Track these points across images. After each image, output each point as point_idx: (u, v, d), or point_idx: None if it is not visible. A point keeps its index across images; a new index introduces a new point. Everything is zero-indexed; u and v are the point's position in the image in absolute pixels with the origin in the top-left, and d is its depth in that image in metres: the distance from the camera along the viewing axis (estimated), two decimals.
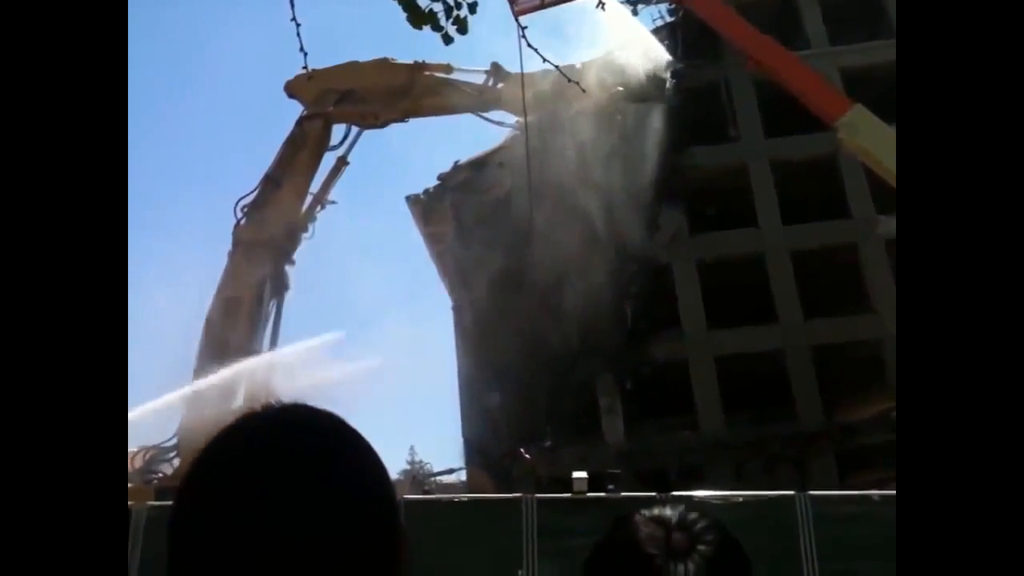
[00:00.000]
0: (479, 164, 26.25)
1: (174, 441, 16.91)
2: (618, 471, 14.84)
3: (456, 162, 27.49)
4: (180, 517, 0.84)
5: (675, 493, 12.55)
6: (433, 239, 29.72)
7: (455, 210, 26.72)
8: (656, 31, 26.54)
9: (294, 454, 0.85)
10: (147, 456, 16.74)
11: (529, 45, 4.96)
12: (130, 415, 15.81)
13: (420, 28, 3.99)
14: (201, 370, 17.61)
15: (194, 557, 0.81)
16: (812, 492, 12.29)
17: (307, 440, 0.87)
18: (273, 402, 0.93)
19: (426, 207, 28.62)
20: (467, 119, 20.68)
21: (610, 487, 12.87)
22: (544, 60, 5.10)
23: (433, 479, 25.08)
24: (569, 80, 6.87)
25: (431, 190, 28.27)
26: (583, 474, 12.60)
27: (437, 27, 4.03)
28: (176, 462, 16.59)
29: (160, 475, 16.24)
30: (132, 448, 16.90)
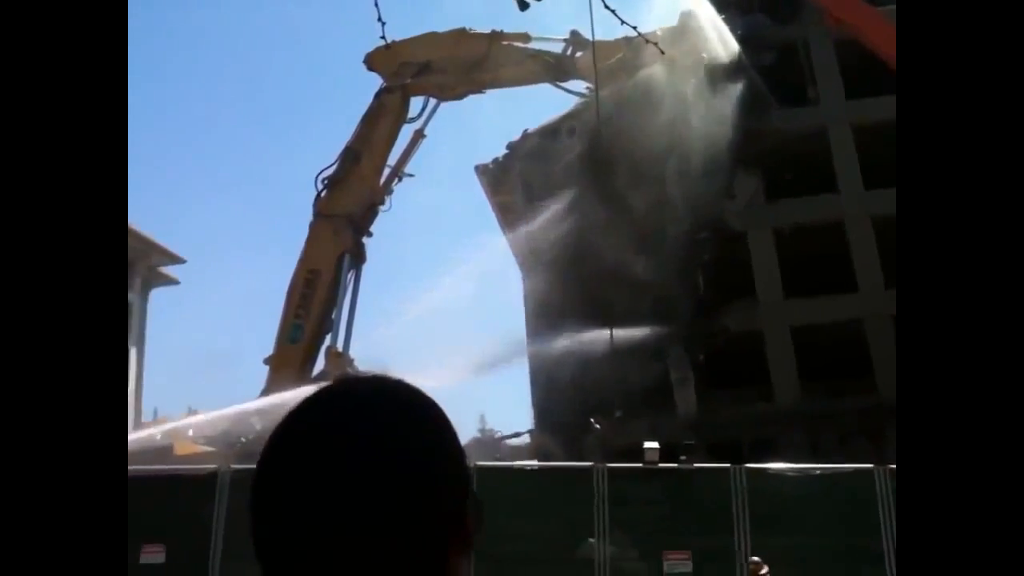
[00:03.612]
0: (549, 132, 26.05)
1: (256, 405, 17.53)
2: (692, 442, 14.73)
3: (526, 130, 27.37)
4: (261, 484, 0.88)
5: (748, 465, 12.39)
6: (502, 208, 29.76)
7: (524, 179, 26.64)
8: None
9: (371, 424, 0.89)
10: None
11: (605, 6, 4.90)
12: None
13: None
14: (284, 338, 18.18)
15: (274, 527, 0.86)
16: (892, 466, 11.95)
17: (384, 411, 0.91)
18: (351, 373, 0.96)
19: (495, 176, 28.62)
20: (538, 87, 20.52)
21: (682, 458, 12.79)
22: (622, 22, 5.04)
23: (503, 442, 25.46)
24: (647, 41, 6.73)
25: (500, 159, 28.25)
26: (655, 444, 12.55)
27: None
28: (259, 427, 17.21)
29: (243, 439, 16.88)
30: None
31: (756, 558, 10.71)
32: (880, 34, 15.94)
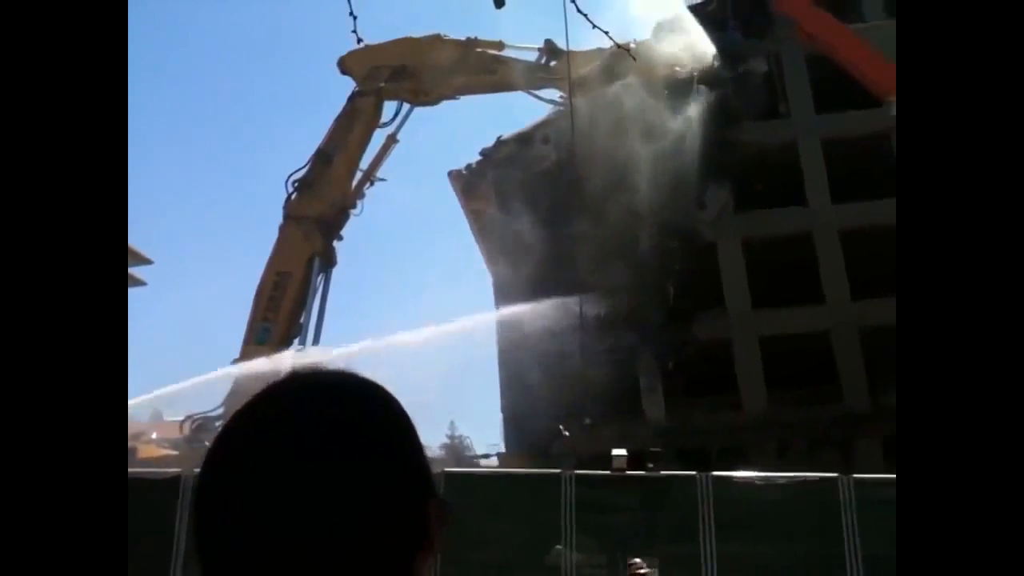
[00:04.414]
0: (522, 139, 26.09)
1: (221, 410, 17.31)
2: (659, 449, 14.78)
3: (499, 137, 27.38)
4: (205, 486, 0.83)
5: (716, 473, 12.46)
6: (475, 215, 29.72)
7: (497, 186, 26.61)
8: (706, 3, 25.99)
9: (325, 420, 0.83)
10: (194, 424, 17.20)
11: (578, 10, 4.93)
12: (182, 385, 16.38)
13: None
14: (251, 340, 18.00)
15: (219, 533, 0.81)
16: (856, 475, 12.09)
17: (339, 406, 0.85)
18: (309, 368, 0.90)
19: (468, 182, 28.57)
20: (513, 94, 20.59)
21: (650, 465, 12.83)
22: (594, 26, 5.07)
23: (474, 461, 25.62)
24: (619, 47, 6.77)
25: (473, 165, 28.21)
26: (622, 451, 12.58)
27: None
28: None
29: (206, 443, 16.66)
30: (179, 416, 17.41)
31: (637, 559, 10.75)
32: (850, 50, 16.20)
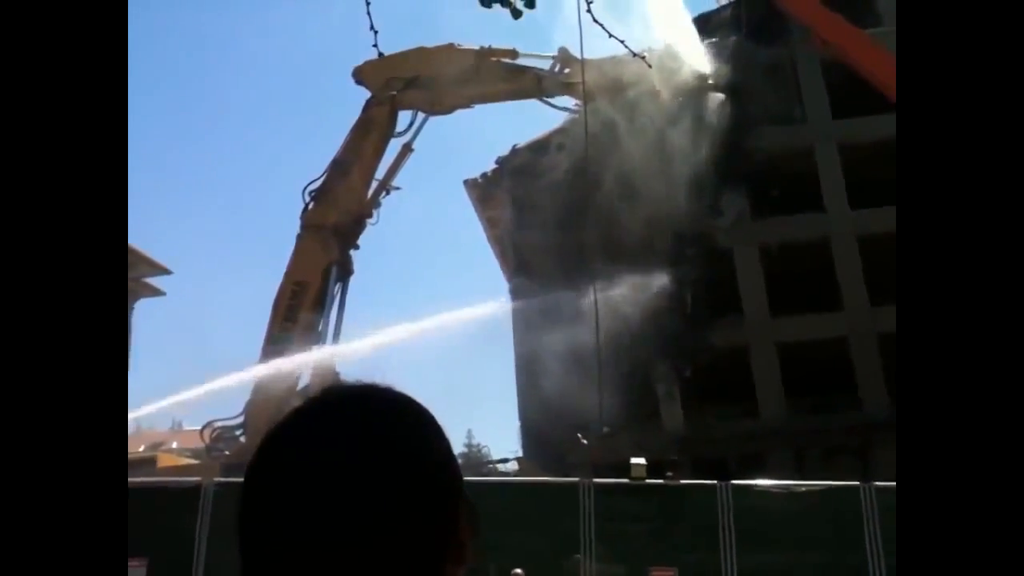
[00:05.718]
0: (538, 147, 26.13)
1: (241, 419, 17.38)
2: (676, 458, 14.73)
3: (514, 145, 27.45)
4: (248, 493, 0.87)
5: (735, 482, 12.40)
6: (491, 223, 29.79)
7: (513, 193, 26.68)
8: (721, 9, 25.97)
9: (359, 431, 0.87)
10: (214, 433, 17.27)
11: (594, 19, 4.95)
12: (199, 392, 16.47)
13: (489, 6, 4.01)
14: (268, 351, 18.07)
15: (260, 537, 0.84)
16: (877, 483, 11.99)
17: (373, 417, 0.90)
18: (345, 381, 0.95)
19: (484, 191, 28.65)
20: (528, 102, 20.62)
21: (668, 474, 12.78)
22: (610, 35, 5.09)
23: (492, 466, 25.71)
24: (635, 55, 6.78)
25: (489, 174, 28.28)
26: (641, 460, 12.54)
27: (505, 3, 4.05)
28: (243, 439, 17.07)
29: (226, 452, 16.72)
30: (198, 425, 17.50)
31: (518, 570, 10.69)
32: (866, 55, 16.11)
